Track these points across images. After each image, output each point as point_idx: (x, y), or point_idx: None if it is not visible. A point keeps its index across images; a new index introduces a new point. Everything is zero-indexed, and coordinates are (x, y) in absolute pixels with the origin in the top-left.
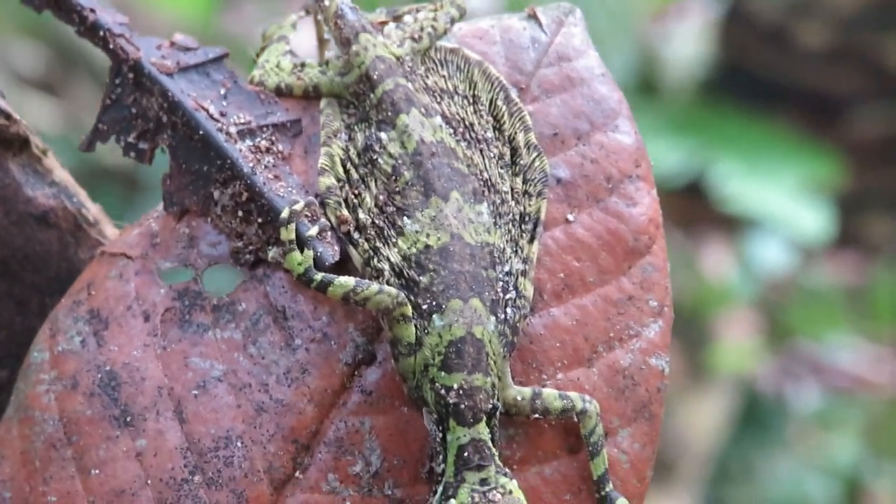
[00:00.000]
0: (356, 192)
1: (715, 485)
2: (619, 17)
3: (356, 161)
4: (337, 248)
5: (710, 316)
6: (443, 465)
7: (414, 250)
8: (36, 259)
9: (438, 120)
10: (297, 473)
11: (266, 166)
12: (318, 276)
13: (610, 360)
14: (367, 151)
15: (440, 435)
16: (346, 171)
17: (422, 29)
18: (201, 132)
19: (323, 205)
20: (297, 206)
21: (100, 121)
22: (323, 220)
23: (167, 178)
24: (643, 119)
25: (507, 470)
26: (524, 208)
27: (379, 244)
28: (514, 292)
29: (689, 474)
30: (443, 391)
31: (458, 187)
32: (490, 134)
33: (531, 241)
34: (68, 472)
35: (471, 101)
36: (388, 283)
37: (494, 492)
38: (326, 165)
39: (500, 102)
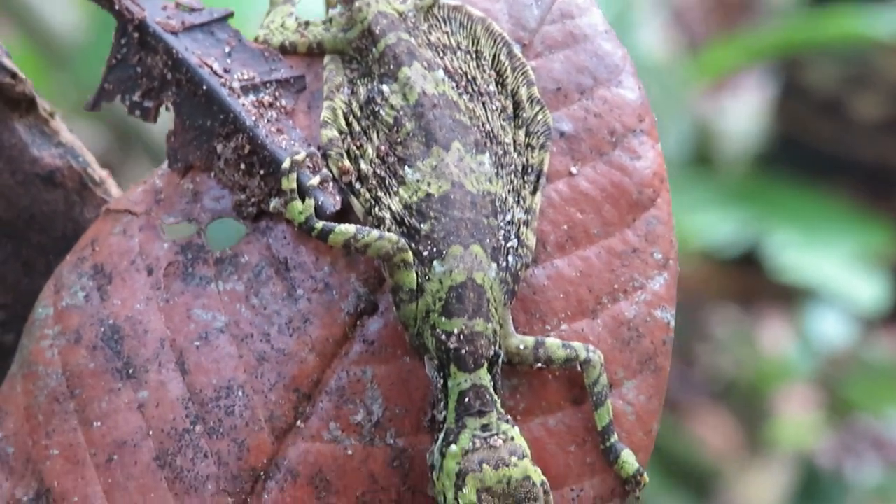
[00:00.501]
0: (358, 143)
1: None
2: (673, 90)
3: (358, 114)
4: (338, 197)
5: (769, 391)
6: (444, 412)
7: (415, 198)
8: (42, 219)
9: (441, 74)
10: (298, 422)
11: (269, 120)
12: (319, 224)
13: (614, 311)
14: (369, 104)
15: (441, 381)
16: (349, 124)
17: None
18: (205, 87)
19: (325, 156)
20: (299, 156)
21: (105, 80)
22: (324, 170)
23: (171, 135)
24: (697, 190)
25: (509, 417)
26: (527, 160)
27: (380, 193)
28: (515, 241)
29: None
30: (443, 337)
31: (459, 137)
32: (492, 88)
33: (534, 192)
34: (70, 425)
35: (473, 56)
36: (389, 231)
37: (496, 437)
38: (329, 118)
39: (502, 58)
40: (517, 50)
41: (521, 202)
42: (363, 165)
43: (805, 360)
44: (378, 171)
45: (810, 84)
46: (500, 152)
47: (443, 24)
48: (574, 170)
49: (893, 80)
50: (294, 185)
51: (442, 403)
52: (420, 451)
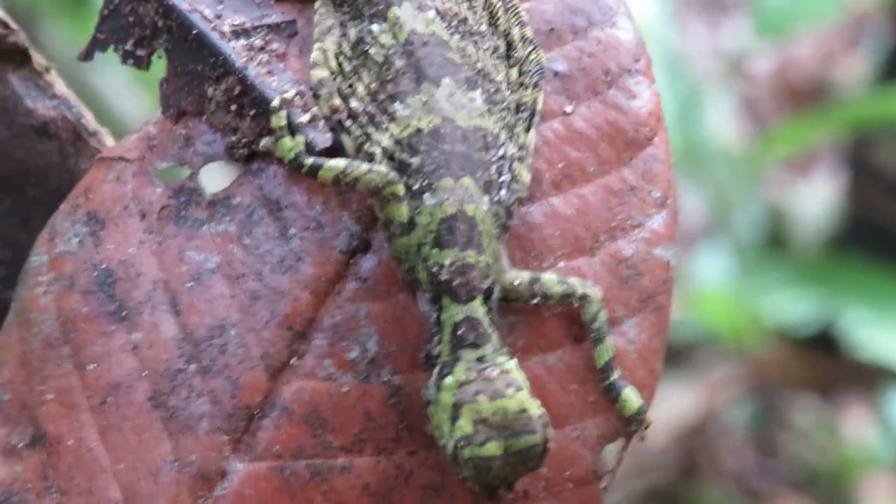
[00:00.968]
0: (348, 83)
1: None
2: (744, 173)
3: (349, 54)
4: (328, 134)
5: (853, 480)
6: (438, 347)
7: (405, 133)
8: (37, 172)
9: (431, 14)
10: (292, 360)
11: (259, 63)
12: (309, 160)
13: (612, 249)
14: (359, 44)
15: (435, 315)
16: (339, 65)
17: None
18: (195, 32)
19: (315, 96)
20: (288, 95)
21: (98, 31)
22: (315, 109)
23: (164, 82)
24: (771, 272)
25: (507, 349)
26: (520, 98)
27: (371, 130)
28: (508, 175)
29: None
30: (435, 269)
31: (450, 74)
32: (484, 28)
33: (527, 129)
34: (65, 369)
35: None
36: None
37: (491, 369)
38: (318, 59)
39: None
40: None
41: (515, 139)
42: (354, 103)
43: (887, 446)
44: (368, 109)
45: (880, 164)
46: (492, 90)
47: None
48: (569, 109)
49: None
50: (284, 123)
51: (436, 338)
52: (417, 388)
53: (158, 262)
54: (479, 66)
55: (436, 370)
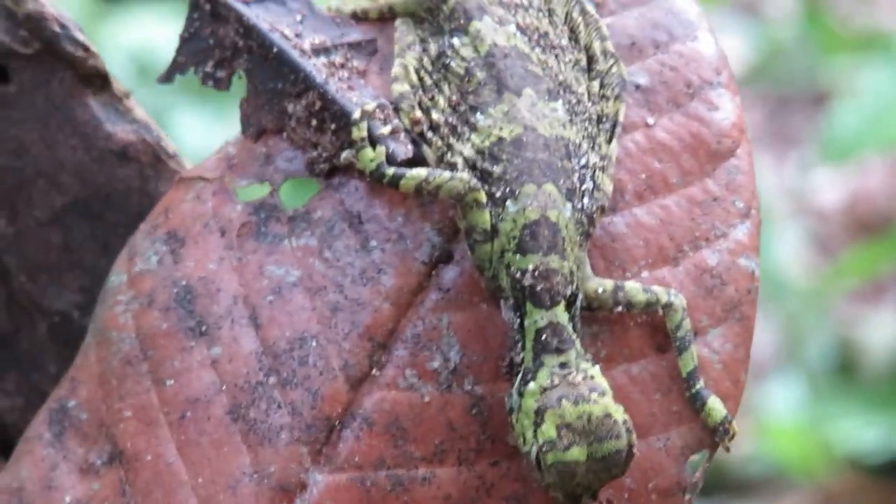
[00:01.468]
0: (430, 96)
1: None
2: (813, 300)
3: (429, 68)
4: (409, 145)
5: None
6: (521, 354)
7: (487, 143)
8: (117, 197)
9: (512, 28)
10: (373, 371)
11: (340, 79)
12: (391, 170)
13: (696, 259)
14: (440, 58)
15: (518, 322)
16: (420, 79)
17: None
18: (275, 51)
19: (396, 110)
20: (369, 107)
21: (179, 54)
22: (396, 121)
23: (244, 101)
24: (841, 399)
25: (590, 356)
26: (601, 110)
27: (452, 140)
28: (591, 183)
29: None
30: (518, 274)
31: (531, 85)
32: (565, 42)
33: (609, 140)
34: (143, 386)
35: (545, 13)
36: None
37: (575, 374)
38: (400, 74)
39: (575, 14)
40: (590, 7)
41: (597, 149)
42: (435, 115)
43: None
44: (450, 120)
45: None
46: (574, 101)
47: None
48: (651, 121)
49: None
50: (365, 134)
51: (519, 345)
52: (499, 398)
53: (238, 278)
54: (560, 78)
55: (518, 377)
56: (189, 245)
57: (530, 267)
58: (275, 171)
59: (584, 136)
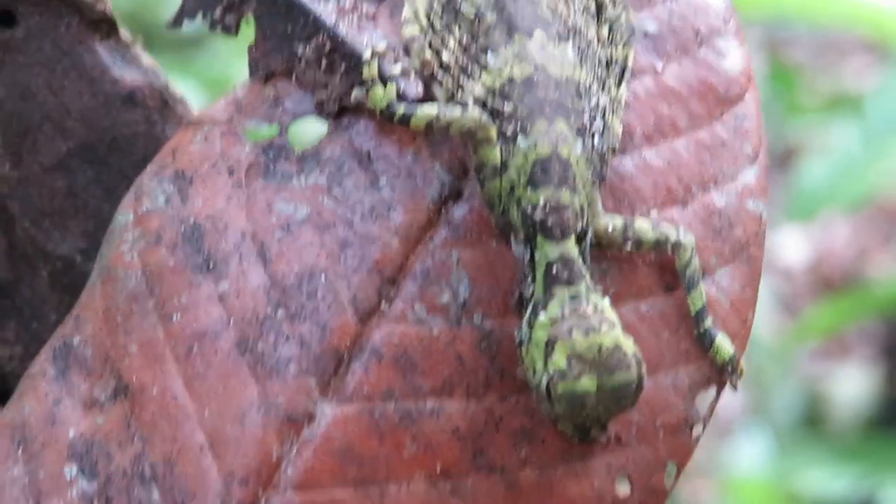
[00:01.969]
0: (440, 38)
1: None
2: (779, 358)
3: (439, 12)
4: (420, 85)
5: None
6: (531, 287)
7: (498, 83)
8: (123, 142)
9: None
10: (382, 305)
11: (349, 23)
12: (401, 107)
13: (705, 200)
14: (450, 2)
15: (528, 255)
16: (430, 23)
17: None
18: None
19: (406, 52)
20: (380, 46)
21: (187, 0)
22: (406, 62)
23: (252, 47)
24: (809, 451)
25: (600, 288)
26: (610, 54)
27: (462, 80)
28: (601, 123)
29: None
30: (529, 209)
31: (542, 28)
32: None
33: (618, 84)
34: (150, 322)
35: None
36: None
37: (585, 306)
38: (410, 17)
39: None
40: None
41: (607, 91)
42: (445, 56)
43: None
44: (460, 60)
45: None
46: (583, 44)
47: None
48: (659, 66)
49: None
50: (375, 73)
51: (529, 279)
52: (508, 334)
53: (247, 215)
54: (569, 22)
55: (528, 309)
56: (197, 184)
57: (541, 200)
58: (283, 112)
59: (593, 78)
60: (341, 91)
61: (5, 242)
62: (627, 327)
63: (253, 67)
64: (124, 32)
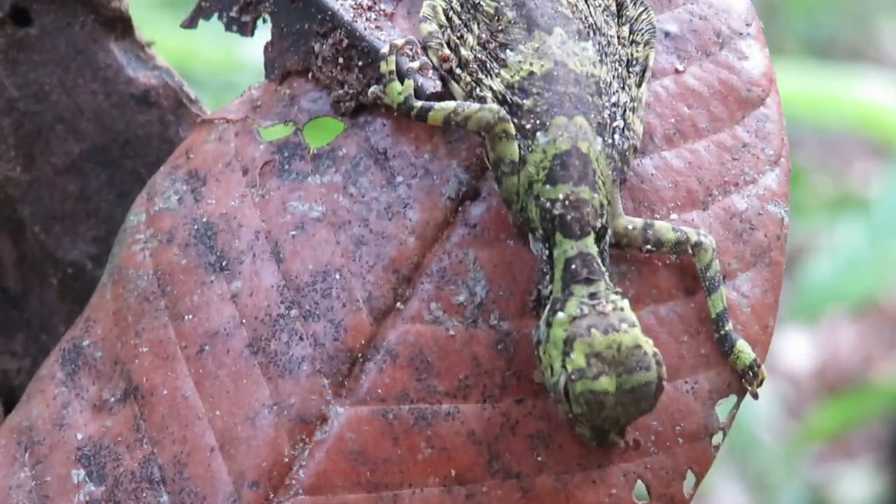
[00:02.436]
0: (458, 34)
1: None
2: (784, 459)
3: (458, 9)
4: (437, 80)
5: None
6: (550, 286)
7: (517, 78)
8: (137, 143)
9: None
10: (397, 304)
11: (367, 20)
12: (419, 103)
13: (726, 203)
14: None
15: (547, 253)
16: (448, 19)
17: None
18: None
19: (425, 49)
20: (398, 41)
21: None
22: (423, 58)
23: (268, 46)
24: None
25: (619, 289)
26: (631, 54)
27: (481, 76)
28: (621, 121)
29: None
30: (548, 204)
31: (561, 25)
32: None
33: (639, 84)
34: (161, 322)
35: None
36: None
37: (604, 304)
38: (428, 14)
39: None
40: None
41: (627, 89)
42: (464, 52)
43: None
44: (479, 57)
45: None
46: (604, 42)
47: None
48: (680, 67)
49: None
50: (393, 68)
51: (547, 277)
52: (525, 335)
53: (261, 214)
54: (589, 20)
55: (547, 308)
56: (210, 183)
57: (560, 196)
58: (299, 111)
59: (614, 76)
60: (358, 88)
61: (15, 252)
62: (647, 331)
63: (269, 67)
64: (139, 33)
